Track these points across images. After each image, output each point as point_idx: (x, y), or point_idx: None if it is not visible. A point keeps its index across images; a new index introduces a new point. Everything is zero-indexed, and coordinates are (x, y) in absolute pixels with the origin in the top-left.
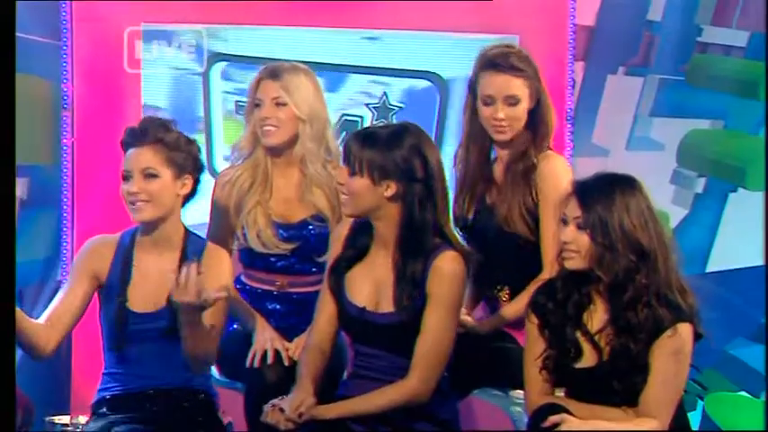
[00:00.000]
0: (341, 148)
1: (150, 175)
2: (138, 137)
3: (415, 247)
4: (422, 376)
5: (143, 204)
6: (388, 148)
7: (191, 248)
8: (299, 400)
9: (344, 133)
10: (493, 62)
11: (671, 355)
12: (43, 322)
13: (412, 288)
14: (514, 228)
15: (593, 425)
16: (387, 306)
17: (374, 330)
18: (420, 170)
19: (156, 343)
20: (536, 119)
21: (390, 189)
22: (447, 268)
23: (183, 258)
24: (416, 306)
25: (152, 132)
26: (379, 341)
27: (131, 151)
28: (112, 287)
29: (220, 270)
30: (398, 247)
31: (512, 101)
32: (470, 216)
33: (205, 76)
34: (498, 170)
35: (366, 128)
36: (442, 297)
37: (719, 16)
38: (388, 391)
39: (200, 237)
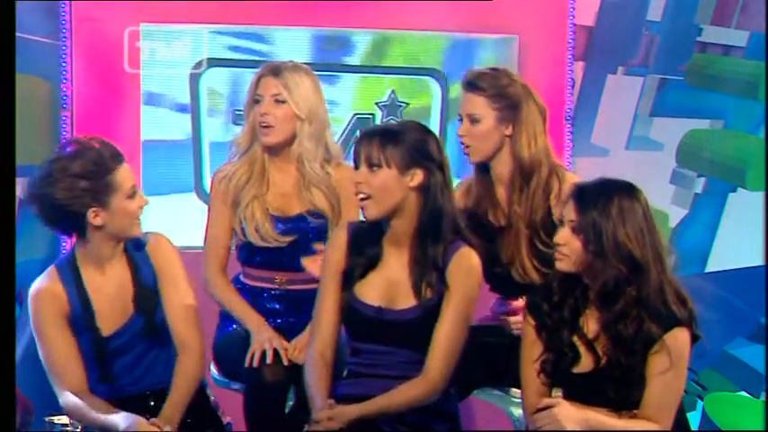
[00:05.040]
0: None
1: None
2: None
3: (435, 235)
4: (440, 368)
5: None
6: (406, 137)
7: (132, 249)
8: (323, 416)
9: (357, 132)
10: (464, 82)
11: (668, 363)
12: (81, 399)
13: (433, 275)
14: (529, 279)
15: (590, 414)
16: (403, 302)
17: (391, 328)
18: (437, 155)
19: (139, 347)
20: (514, 146)
21: (417, 177)
22: (467, 263)
23: (131, 262)
24: (436, 297)
25: None
26: (395, 338)
27: None
28: (78, 320)
29: (166, 251)
30: (418, 236)
31: (472, 119)
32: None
33: (195, 81)
34: (500, 192)
35: (373, 126)
36: (462, 288)
37: (719, 16)
38: (408, 388)
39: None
